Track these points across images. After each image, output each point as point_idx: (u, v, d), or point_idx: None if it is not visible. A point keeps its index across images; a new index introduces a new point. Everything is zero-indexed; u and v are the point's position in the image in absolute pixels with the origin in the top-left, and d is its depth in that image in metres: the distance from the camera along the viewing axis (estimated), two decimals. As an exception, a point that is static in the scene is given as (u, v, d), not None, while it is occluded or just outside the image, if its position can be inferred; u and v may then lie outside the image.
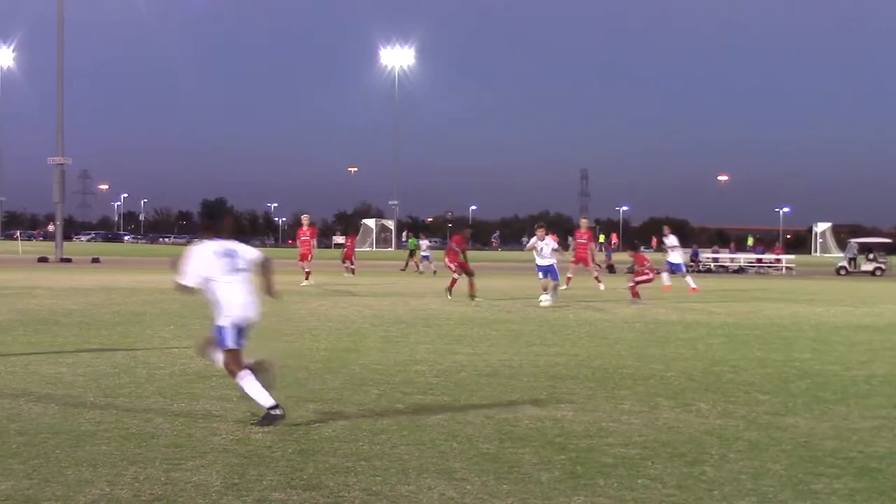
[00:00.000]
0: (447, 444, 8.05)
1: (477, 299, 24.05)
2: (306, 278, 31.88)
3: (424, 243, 50.16)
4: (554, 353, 14.14)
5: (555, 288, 24.23)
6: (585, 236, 32.68)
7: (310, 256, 32.53)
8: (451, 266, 25.63)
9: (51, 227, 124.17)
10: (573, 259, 31.76)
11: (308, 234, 32.96)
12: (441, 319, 19.54)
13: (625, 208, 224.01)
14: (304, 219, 34.12)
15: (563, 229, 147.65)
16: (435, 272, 43.76)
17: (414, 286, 33.13)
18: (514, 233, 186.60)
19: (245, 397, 8.82)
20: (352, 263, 42.90)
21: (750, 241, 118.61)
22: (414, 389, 10.72)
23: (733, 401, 10.37)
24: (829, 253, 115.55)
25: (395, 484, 6.75)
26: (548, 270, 24.25)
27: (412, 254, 53.17)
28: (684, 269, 30.11)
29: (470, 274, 25.14)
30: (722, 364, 13.39)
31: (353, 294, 27.93)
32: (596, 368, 12.73)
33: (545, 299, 23.47)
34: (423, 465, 7.32)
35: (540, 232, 24.69)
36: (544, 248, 24.34)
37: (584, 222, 34.53)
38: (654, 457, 7.71)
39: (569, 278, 30.85)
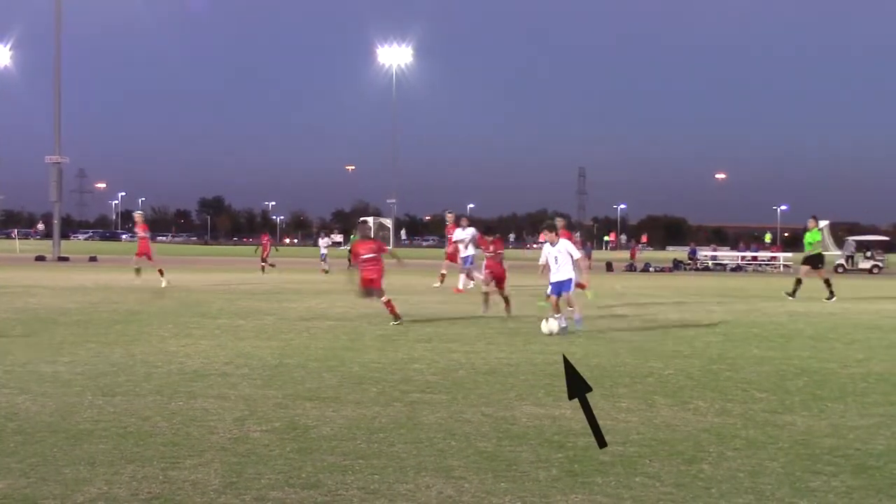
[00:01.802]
0: (445, 442, 8.05)
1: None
2: (161, 275, 30.27)
3: (325, 241, 50.43)
4: (552, 352, 14.14)
5: (569, 306, 17.57)
6: (451, 231, 31.45)
7: (150, 254, 30.91)
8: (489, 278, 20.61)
9: (40, 226, 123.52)
10: (447, 256, 31.13)
11: (142, 231, 31.21)
12: (439, 318, 19.54)
13: (622, 206, 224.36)
14: (138, 216, 32.19)
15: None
16: (327, 271, 45.01)
17: (419, 287, 33.10)
18: (511, 231, 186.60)
19: None
20: (263, 260, 44.29)
21: (767, 238, 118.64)
22: (412, 388, 10.72)
23: (731, 399, 10.37)
24: (827, 251, 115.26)
25: (393, 482, 6.75)
26: (560, 287, 17.48)
27: None
28: (470, 263, 27.77)
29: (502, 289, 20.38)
30: (719, 362, 13.39)
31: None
32: (594, 367, 12.73)
33: (555, 322, 16.92)
34: (420, 463, 7.32)
35: (550, 236, 18.00)
36: (558, 256, 17.62)
37: (450, 217, 33.19)
38: (652, 455, 7.72)
39: (442, 275, 30.21)
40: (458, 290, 27.22)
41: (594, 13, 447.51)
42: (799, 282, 28.38)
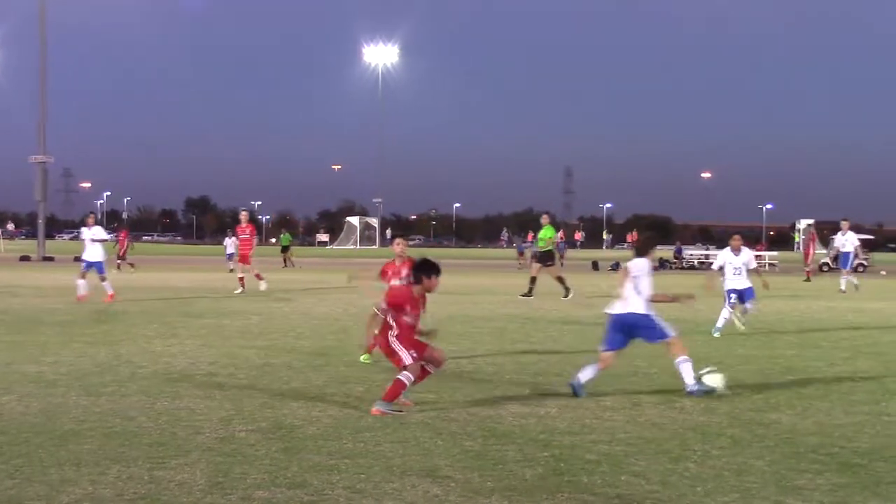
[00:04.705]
0: (431, 441, 8.05)
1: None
2: None
3: (231, 241, 48.94)
4: (537, 351, 14.15)
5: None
6: (248, 231, 28.92)
7: None
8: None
9: (10, 226, 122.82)
10: (238, 258, 28.61)
11: None
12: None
13: (608, 205, 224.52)
14: None
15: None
16: (232, 270, 42.76)
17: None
18: (498, 230, 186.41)
19: None
20: (123, 259, 42.37)
21: (797, 238, 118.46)
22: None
23: (716, 397, 10.39)
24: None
25: (380, 482, 6.75)
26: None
27: (286, 249, 53.09)
28: (102, 268, 23.67)
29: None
30: (705, 361, 13.39)
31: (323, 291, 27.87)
32: (579, 365, 12.72)
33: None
34: (407, 462, 7.32)
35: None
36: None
37: (244, 216, 30.88)
38: (638, 453, 7.73)
39: (241, 278, 27.62)
40: (82, 298, 23.03)
41: (580, 13, 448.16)
42: (533, 280, 27.67)
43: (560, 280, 27.23)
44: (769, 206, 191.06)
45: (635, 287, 10.75)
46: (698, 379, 10.62)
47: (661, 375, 11.96)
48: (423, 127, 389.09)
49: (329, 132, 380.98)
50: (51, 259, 56.99)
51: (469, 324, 18.32)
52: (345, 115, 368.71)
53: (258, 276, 27.79)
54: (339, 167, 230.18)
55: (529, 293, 26.63)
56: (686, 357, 10.84)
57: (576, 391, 10.35)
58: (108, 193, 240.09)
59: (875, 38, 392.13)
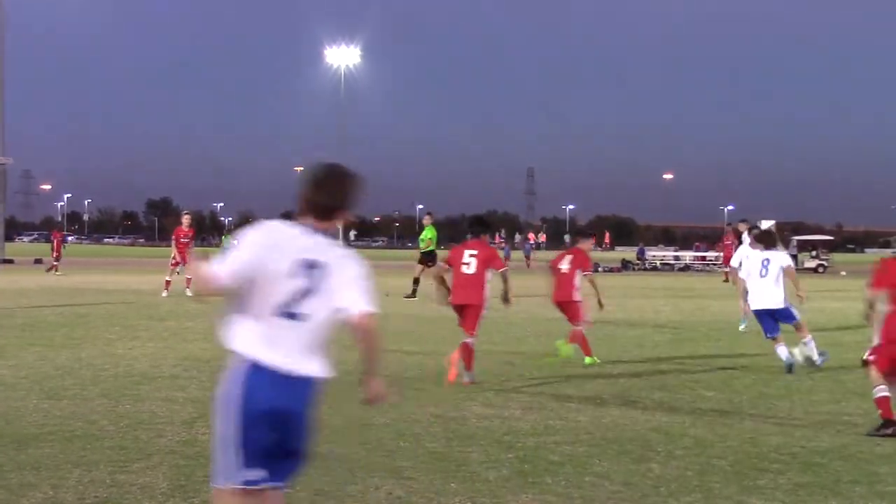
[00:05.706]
0: (394, 443, 8.04)
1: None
2: None
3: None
4: (501, 352, 14.16)
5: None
6: (190, 234, 27.86)
7: None
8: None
9: None
10: (173, 262, 27.30)
11: None
12: (388, 317, 19.48)
13: (571, 207, 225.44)
14: None
15: (510, 229, 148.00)
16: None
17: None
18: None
19: None
20: (57, 260, 40.87)
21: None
22: (360, 388, 10.65)
23: (679, 398, 10.46)
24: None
25: (343, 483, 6.73)
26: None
27: None
28: None
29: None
30: (668, 361, 13.50)
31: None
32: (542, 367, 12.77)
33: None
34: (370, 464, 7.31)
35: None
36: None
37: (186, 219, 29.23)
38: (601, 454, 7.76)
39: (167, 282, 26.72)
40: None
41: (540, 15, 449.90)
42: (416, 281, 27.27)
43: (416, 281, 26.92)
44: (730, 207, 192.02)
45: (776, 278, 12.85)
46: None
47: (624, 376, 12.01)
48: (386, 128, 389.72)
49: (291, 134, 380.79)
50: (10, 262, 56.36)
51: (432, 324, 18.30)
52: (307, 117, 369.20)
53: (167, 284, 26.55)
54: (302, 169, 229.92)
55: (413, 294, 26.51)
56: (810, 337, 13.08)
57: (790, 367, 12.66)
58: (69, 195, 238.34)
59: (837, 41, 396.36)
